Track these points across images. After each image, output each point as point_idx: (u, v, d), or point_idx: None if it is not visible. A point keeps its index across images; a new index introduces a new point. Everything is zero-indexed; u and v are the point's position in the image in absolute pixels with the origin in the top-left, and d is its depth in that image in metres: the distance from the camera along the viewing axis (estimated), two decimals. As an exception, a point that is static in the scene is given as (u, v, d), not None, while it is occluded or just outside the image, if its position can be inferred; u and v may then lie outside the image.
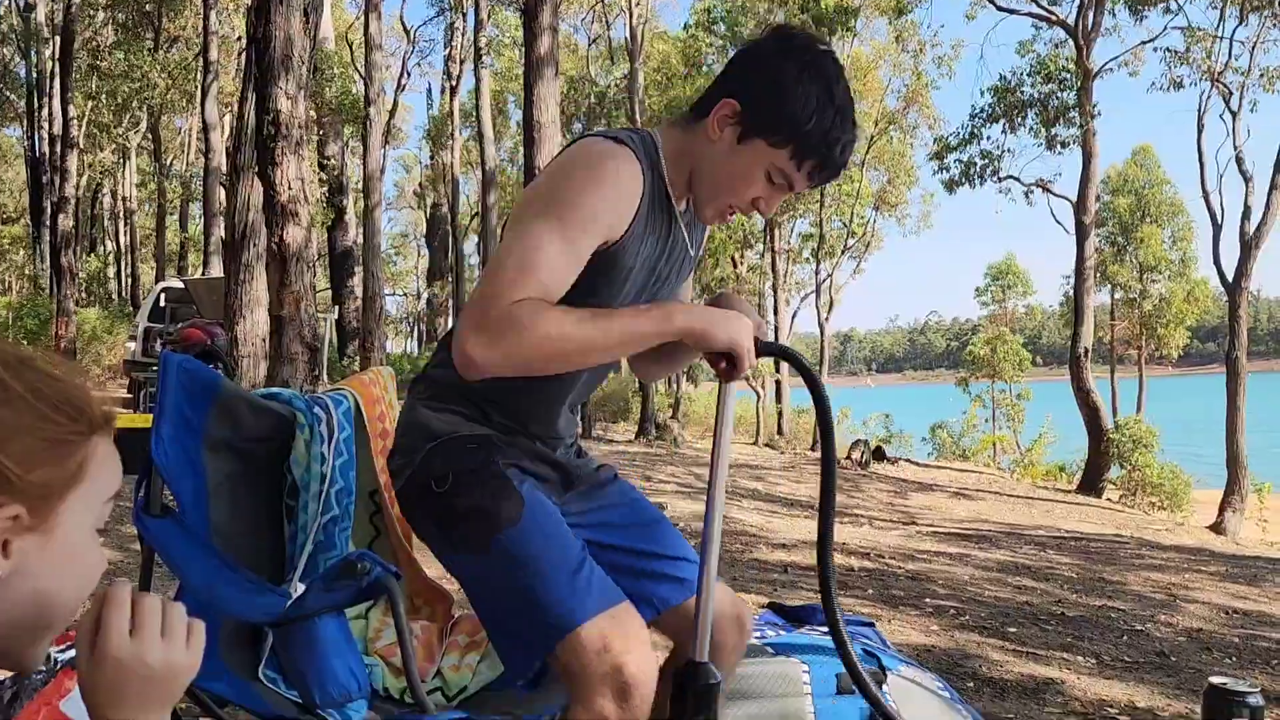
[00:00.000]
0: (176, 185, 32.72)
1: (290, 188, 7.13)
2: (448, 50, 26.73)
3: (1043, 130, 20.48)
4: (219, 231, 16.62)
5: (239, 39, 20.19)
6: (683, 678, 1.55)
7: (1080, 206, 18.81)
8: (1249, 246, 17.20)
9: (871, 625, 4.01)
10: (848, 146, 1.62)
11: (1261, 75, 19.10)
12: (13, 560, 0.80)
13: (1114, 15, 20.05)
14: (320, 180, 18.02)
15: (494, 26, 25.57)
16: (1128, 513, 15.66)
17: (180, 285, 15.04)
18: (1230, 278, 17.64)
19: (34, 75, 23.13)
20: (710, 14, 21.97)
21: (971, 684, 3.84)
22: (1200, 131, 19.97)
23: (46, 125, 21.73)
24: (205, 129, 18.02)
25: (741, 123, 1.59)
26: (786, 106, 1.56)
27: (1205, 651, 4.71)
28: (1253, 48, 18.91)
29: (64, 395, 0.84)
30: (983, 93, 21.21)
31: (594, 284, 1.58)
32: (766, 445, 18.83)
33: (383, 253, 24.79)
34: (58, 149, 21.23)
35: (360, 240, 19.16)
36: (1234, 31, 19.02)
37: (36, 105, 22.88)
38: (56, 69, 21.04)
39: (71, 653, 1.16)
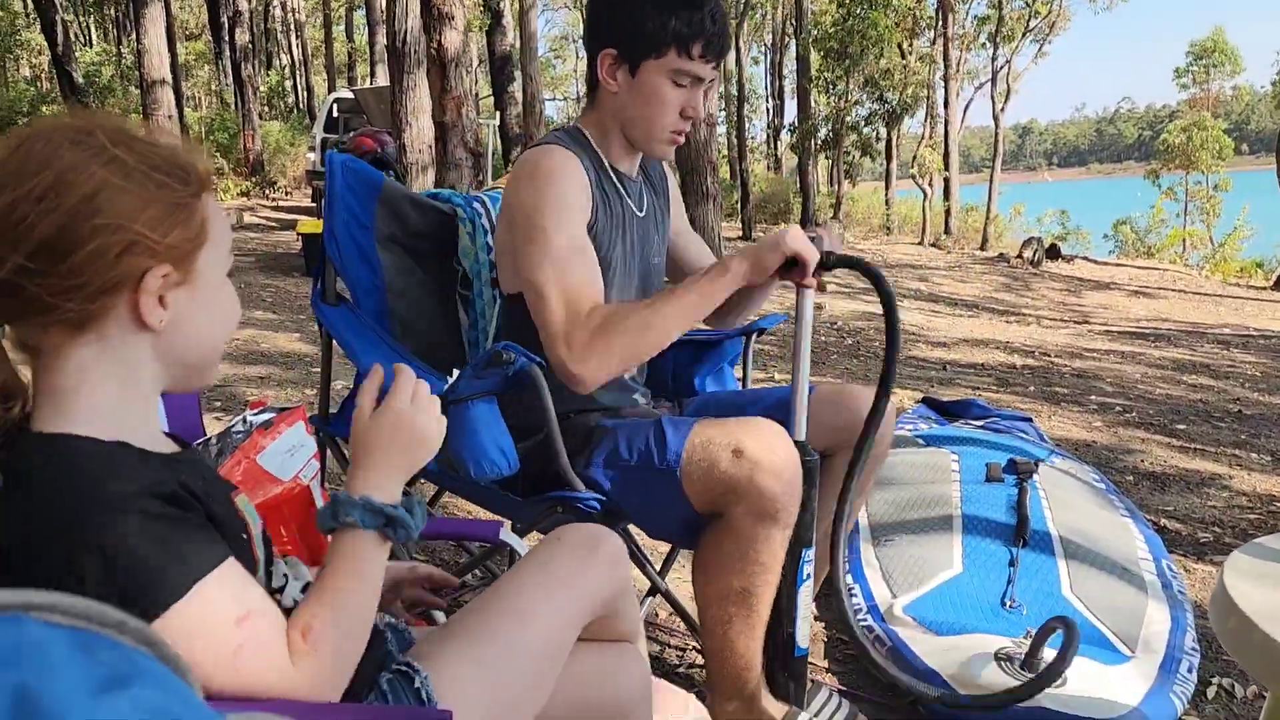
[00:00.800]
0: (339, -6, 32.97)
1: (444, -10, 7.11)
2: None
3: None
4: (383, 39, 16.83)
5: None
6: None
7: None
8: None
9: (1029, 420, 3.99)
10: (713, 12, 1.72)
11: None
12: (169, 311, 0.93)
13: None
14: (475, -18, 17.79)
15: None
16: (1332, 312, 14.52)
17: (350, 95, 15.43)
18: None
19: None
20: None
21: (1131, 478, 3.80)
22: None
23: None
24: (361, -67, 17.90)
25: (624, 59, 1.74)
26: (644, 22, 1.70)
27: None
28: None
29: (172, 161, 0.94)
30: None
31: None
32: (932, 245, 18.22)
33: (541, 56, 24.52)
34: (226, -39, 21.70)
35: (517, 44, 19.00)
36: None
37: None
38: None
39: (265, 415, 1.32)
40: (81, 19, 32.20)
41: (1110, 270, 15.49)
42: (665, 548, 2.26)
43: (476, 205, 2.23)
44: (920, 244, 18.29)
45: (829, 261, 1.67)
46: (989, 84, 22.01)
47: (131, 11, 14.94)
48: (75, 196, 0.87)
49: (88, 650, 0.49)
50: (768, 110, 32.18)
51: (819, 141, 18.31)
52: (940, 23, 20.34)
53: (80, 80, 16.79)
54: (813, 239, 1.66)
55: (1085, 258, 17.55)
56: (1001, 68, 21.62)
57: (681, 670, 2.20)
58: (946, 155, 20.45)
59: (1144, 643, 2.08)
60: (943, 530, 2.56)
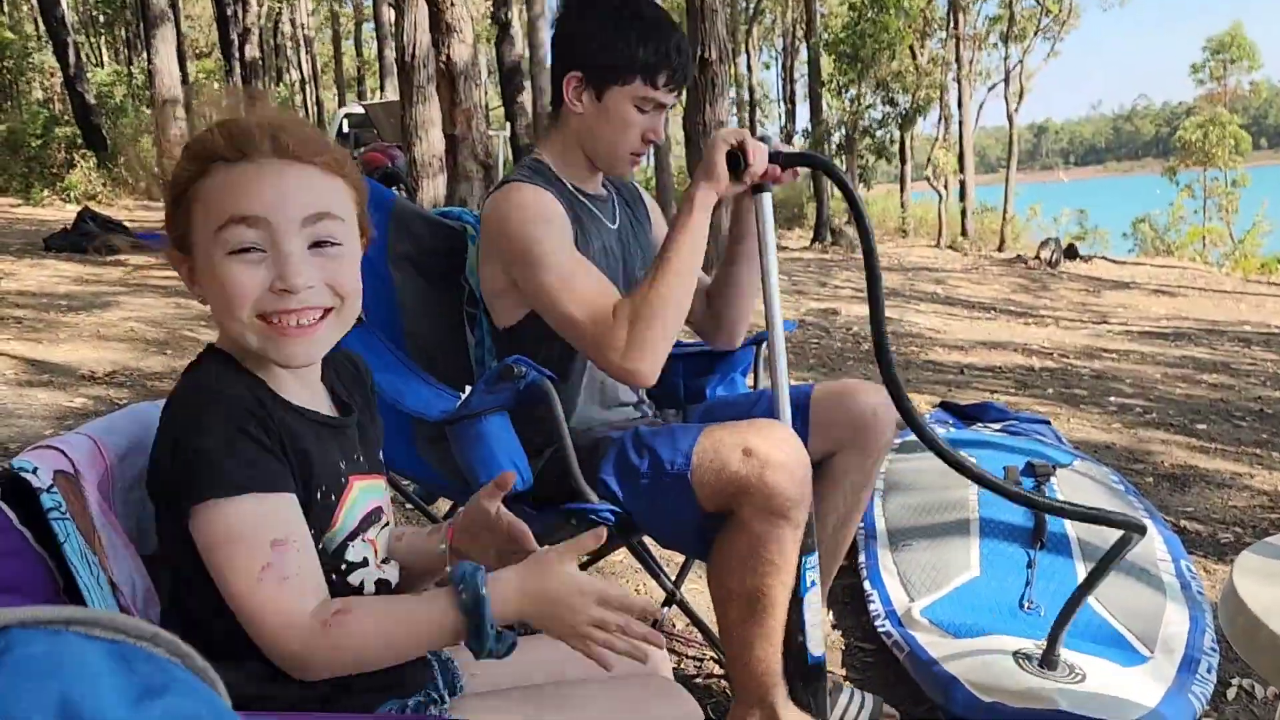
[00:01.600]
0: (349, 9, 33.21)
1: (453, 3, 7.16)
2: None
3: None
4: (391, 53, 16.92)
5: None
6: None
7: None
8: None
9: (1047, 423, 3.98)
10: (679, 45, 1.79)
11: None
12: None
13: None
14: (484, -6, 17.89)
15: None
16: (1353, 306, 14.37)
17: (360, 110, 15.57)
18: None
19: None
20: None
21: (1150, 479, 3.78)
22: None
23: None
24: (371, -51, 18.06)
25: (590, 83, 1.80)
26: (612, 49, 1.76)
27: None
28: None
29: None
30: None
31: None
32: (949, 247, 18.17)
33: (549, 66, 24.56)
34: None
35: (526, 54, 19.08)
36: None
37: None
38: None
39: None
40: (92, 40, 32.55)
41: (1129, 269, 15.41)
42: (680, 557, 2.27)
43: (487, 221, 2.25)
44: (937, 246, 18.23)
45: (781, 159, 1.70)
46: (1002, 84, 21.95)
47: (142, 32, 15.11)
48: None
49: (125, 661, 0.52)
50: (780, 115, 32.19)
51: (833, 146, 18.30)
52: (951, 23, 20.32)
53: (92, 101, 16.98)
54: (761, 139, 1.71)
55: (1104, 257, 17.46)
56: (1014, 67, 21.57)
57: (699, 681, 2.20)
58: (961, 156, 20.40)
59: (1162, 643, 2.08)
60: (960, 534, 2.56)
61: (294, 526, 0.99)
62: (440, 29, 7.21)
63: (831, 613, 2.51)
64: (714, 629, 2.24)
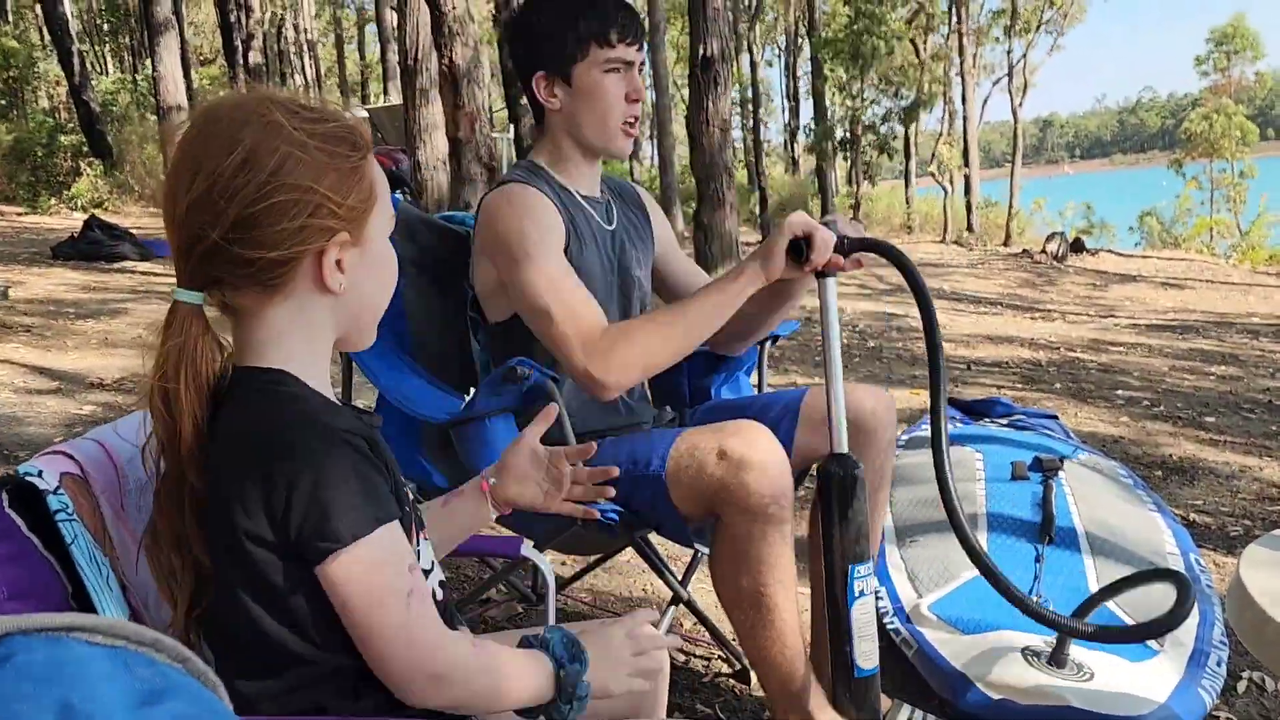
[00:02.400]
0: (351, 13, 33.28)
1: (455, 6, 7.16)
2: None
3: None
4: (394, 56, 16.94)
5: None
6: (825, 471, 1.60)
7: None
8: None
9: (1054, 417, 3.96)
10: (615, 1, 1.80)
11: None
12: (346, 274, 0.99)
13: None
14: (486, -3, 17.90)
15: None
16: (1363, 297, 14.30)
17: (364, 114, 15.57)
18: None
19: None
20: None
21: (1159, 472, 3.77)
22: None
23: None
24: (373, -47, 18.07)
25: (556, 75, 1.83)
26: (557, 34, 1.80)
27: None
28: None
29: (341, 128, 0.99)
30: None
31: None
32: (954, 243, 18.12)
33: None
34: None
35: (530, 56, 19.06)
36: None
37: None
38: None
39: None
40: (97, 48, 32.65)
41: (1136, 262, 15.36)
42: (688, 555, 2.27)
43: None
44: (943, 242, 18.20)
45: (846, 245, 1.61)
46: (1006, 78, 21.90)
47: (146, 40, 15.16)
48: (264, 171, 0.94)
49: (126, 666, 0.52)
50: (783, 112, 32.17)
51: (836, 142, 18.29)
52: (953, 17, 20.28)
53: (98, 109, 17.03)
54: (826, 223, 1.64)
55: (1110, 250, 17.39)
56: (1018, 61, 21.52)
57: (707, 680, 2.21)
58: (966, 151, 20.35)
59: (1172, 637, 2.07)
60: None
61: (408, 547, 1.00)
62: (442, 32, 7.22)
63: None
64: (721, 628, 2.25)
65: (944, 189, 19.82)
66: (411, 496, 1.09)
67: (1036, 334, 7.82)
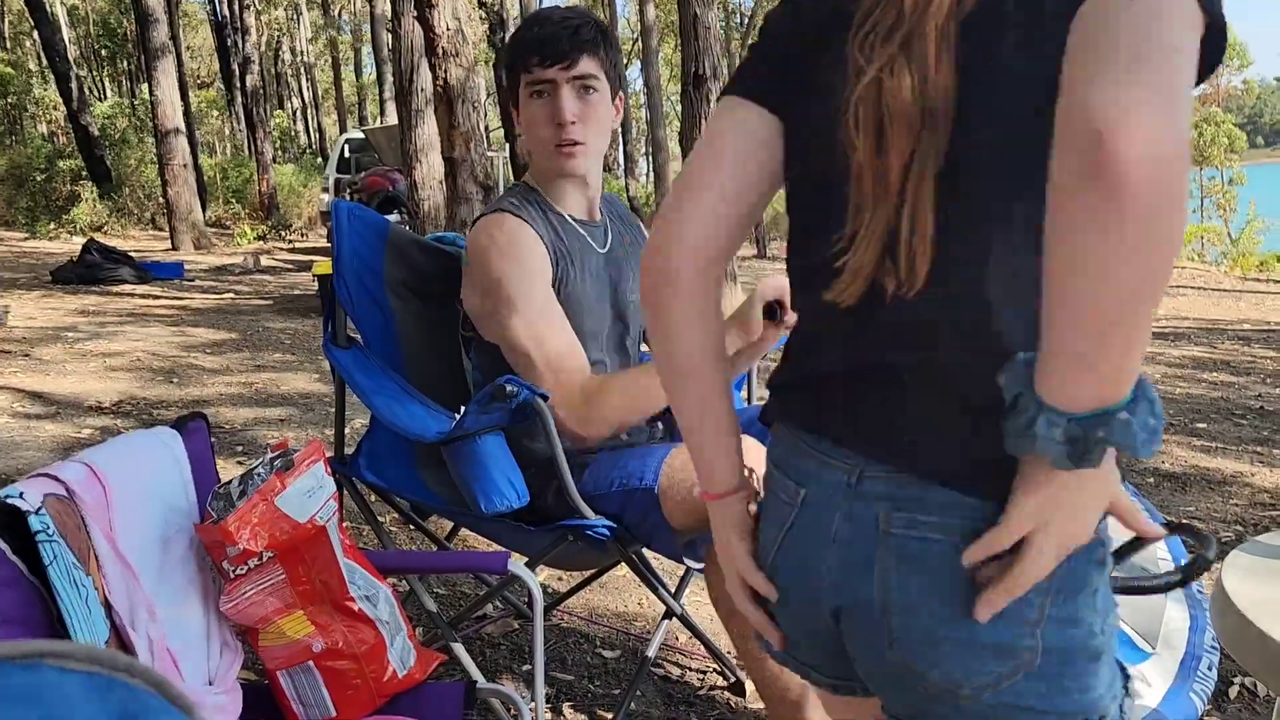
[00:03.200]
0: (348, 35, 33.46)
1: (449, 28, 7.21)
2: None
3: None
4: (391, 78, 17.02)
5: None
6: None
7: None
8: None
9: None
10: (539, 19, 1.84)
11: None
12: None
13: None
14: (480, 18, 18.00)
15: None
16: (1358, 301, 14.31)
17: (360, 135, 15.63)
18: None
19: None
20: None
21: (1152, 479, 3.78)
22: None
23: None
24: (367, -25, 18.18)
25: (514, 105, 1.89)
26: (507, 66, 1.89)
27: None
28: None
29: None
30: None
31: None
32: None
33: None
34: (237, 8, 22.13)
35: (525, 74, 19.14)
36: None
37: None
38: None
39: (286, 457, 1.36)
40: (95, 73, 32.81)
41: (1129, 270, 15.35)
42: (681, 570, 2.29)
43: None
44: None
45: None
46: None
47: (144, 64, 15.24)
48: None
49: (101, 692, 0.53)
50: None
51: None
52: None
53: (96, 133, 17.10)
54: None
55: (1103, 258, 17.39)
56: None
57: (703, 693, 2.21)
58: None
59: (1164, 640, 2.08)
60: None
61: None
62: (437, 53, 7.26)
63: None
64: (715, 642, 2.26)
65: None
66: None
67: (1032, 344, 7.84)
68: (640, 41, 20.77)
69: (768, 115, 0.92)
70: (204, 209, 15.90)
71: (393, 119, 16.53)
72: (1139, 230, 0.62)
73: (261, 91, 22.67)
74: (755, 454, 1.62)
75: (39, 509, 0.97)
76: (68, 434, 4.50)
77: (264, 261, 12.75)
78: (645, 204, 19.45)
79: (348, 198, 12.20)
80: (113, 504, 1.11)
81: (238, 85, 23.34)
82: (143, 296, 9.42)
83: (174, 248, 13.53)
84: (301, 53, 35.22)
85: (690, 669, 2.32)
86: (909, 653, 0.84)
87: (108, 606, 1.04)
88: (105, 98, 28.61)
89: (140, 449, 1.23)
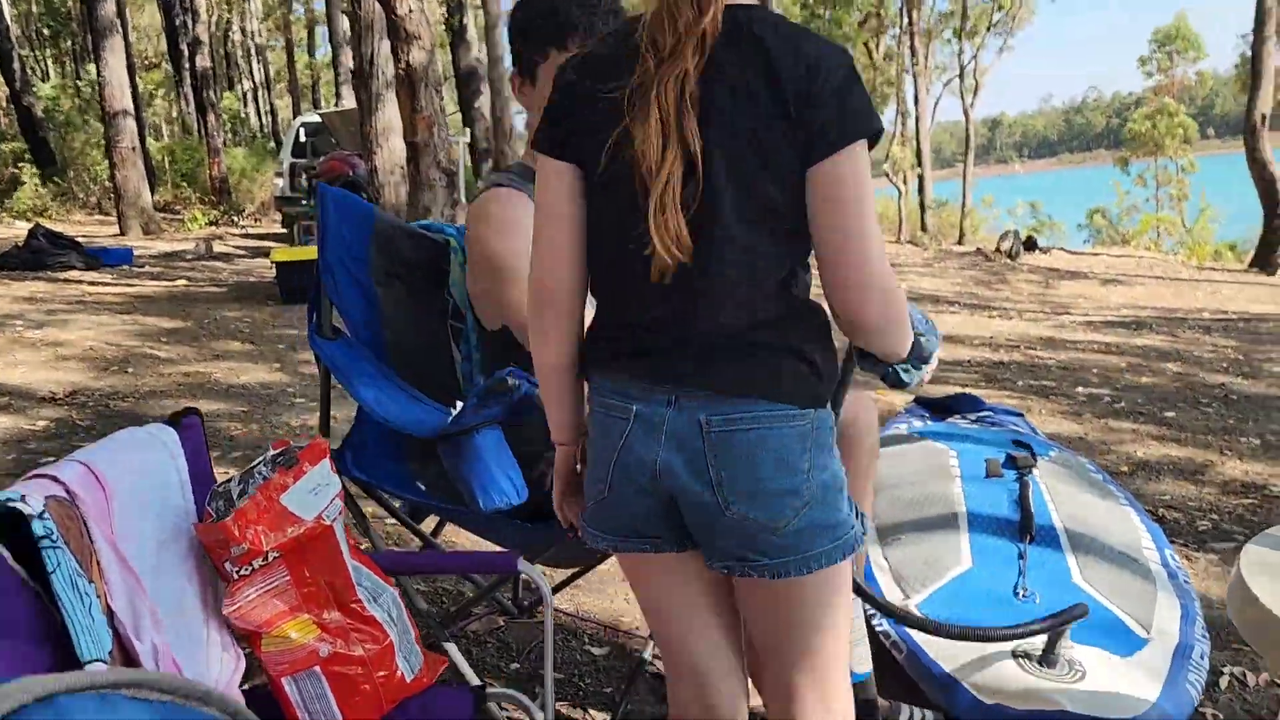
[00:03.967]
0: (300, 15, 32.86)
1: (411, 9, 7.08)
2: None
3: None
4: (347, 60, 16.75)
5: None
6: None
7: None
8: None
9: (1020, 415, 4.00)
10: (580, 2, 1.80)
11: None
12: None
13: None
14: (439, 0, 17.76)
15: None
16: (1303, 290, 14.68)
17: (317, 119, 15.35)
18: None
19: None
20: None
21: (1125, 468, 3.82)
22: None
23: (172, -34, 22.00)
24: (322, -44, 17.85)
25: (525, 74, 1.87)
26: (533, 35, 1.82)
27: (1382, 429, 4.52)
28: None
29: None
30: None
31: None
32: (909, 242, 18.32)
33: (508, 70, 24.45)
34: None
35: (484, 59, 18.98)
36: None
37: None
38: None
39: (288, 454, 1.30)
40: (37, 52, 31.91)
41: (1086, 260, 15.64)
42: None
43: (468, 233, 2.21)
44: (897, 241, 18.38)
45: None
46: (956, 79, 22.20)
47: (90, 44, 14.83)
48: None
49: None
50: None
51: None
52: (904, 19, 20.51)
53: (40, 115, 16.63)
54: None
55: (1062, 249, 17.70)
56: (969, 62, 21.82)
57: (697, 687, 2.18)
58: (919, 152, 20.59)
59: (1158, 626, 2.09)
60: (949, 528, 2.55)
61: None
62: (399, 36, 7.13)
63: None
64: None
65: (898, 189, 20.05)
66: None
67: (995, 332, 7.90)
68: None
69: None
70: (153, 193, 15.54)
71: (349, 102, 16.25)
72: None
73: (212, 73, 22.19)
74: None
75: (42, 513, 0.91)
76: (21, 426, 4.36)
77: (217, 248, 12.48)
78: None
79: (304, 183, 11.98)
80: (113, 506, 1.04)
81: (186, 66, 22.81)
82: (91, 284, 9.17)
83: (122, 233, 13.20)
84: (253, 33, 34.53)
85: (683, 664, 2.29)
86: (740, 507, 1.20)
87: (110, 613, 0.97)
88: (49, 78, 27.86)
89: (136, 447, 1.17)
